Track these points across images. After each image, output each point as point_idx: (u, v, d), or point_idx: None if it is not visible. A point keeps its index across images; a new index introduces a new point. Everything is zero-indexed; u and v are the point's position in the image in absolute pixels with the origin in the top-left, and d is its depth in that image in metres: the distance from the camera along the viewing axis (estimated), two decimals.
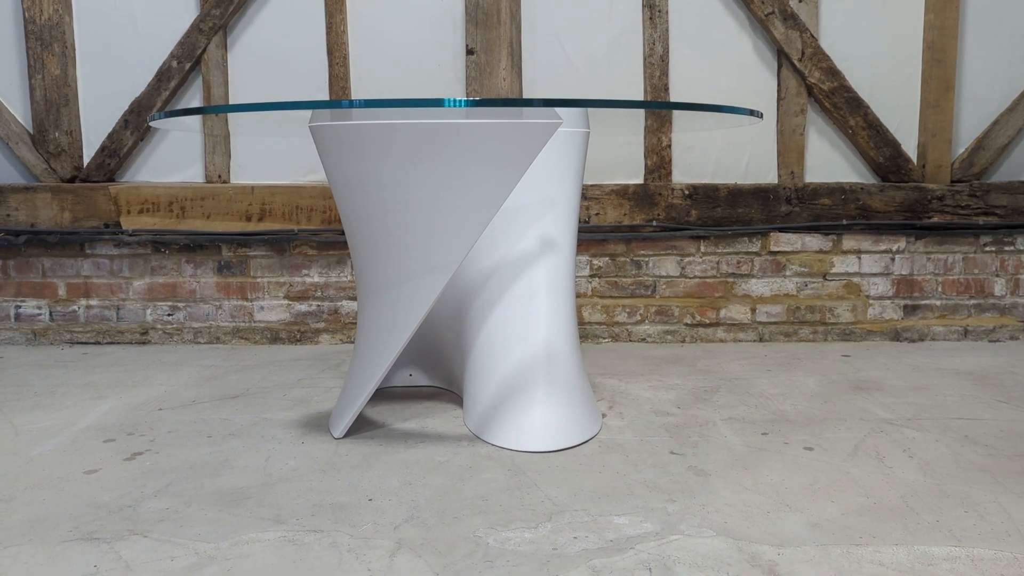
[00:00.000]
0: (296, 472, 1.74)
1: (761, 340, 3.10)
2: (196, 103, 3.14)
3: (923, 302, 3.11)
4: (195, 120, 2.88)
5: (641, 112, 2.93)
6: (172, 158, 3.17)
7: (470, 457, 1.81)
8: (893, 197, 3.09)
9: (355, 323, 3.09)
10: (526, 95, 3.11)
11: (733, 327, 3.10)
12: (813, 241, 3.08)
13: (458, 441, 1.92)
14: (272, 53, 3.08)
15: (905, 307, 3.11)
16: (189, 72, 3.11)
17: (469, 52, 3.06)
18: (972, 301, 3.11)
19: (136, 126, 3.11)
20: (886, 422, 2.06)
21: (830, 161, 3.16)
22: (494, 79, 3.07)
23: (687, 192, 3.08)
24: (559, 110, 1.88)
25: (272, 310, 3.11)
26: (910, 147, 3.15)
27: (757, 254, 3.08)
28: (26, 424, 2.11)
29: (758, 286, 3.09)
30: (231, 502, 1.58)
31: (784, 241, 3.08)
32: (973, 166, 3.14)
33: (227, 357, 2.88)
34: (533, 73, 3.09)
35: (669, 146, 3.14)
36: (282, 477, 1.71)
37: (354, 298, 3.09)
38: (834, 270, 3.09)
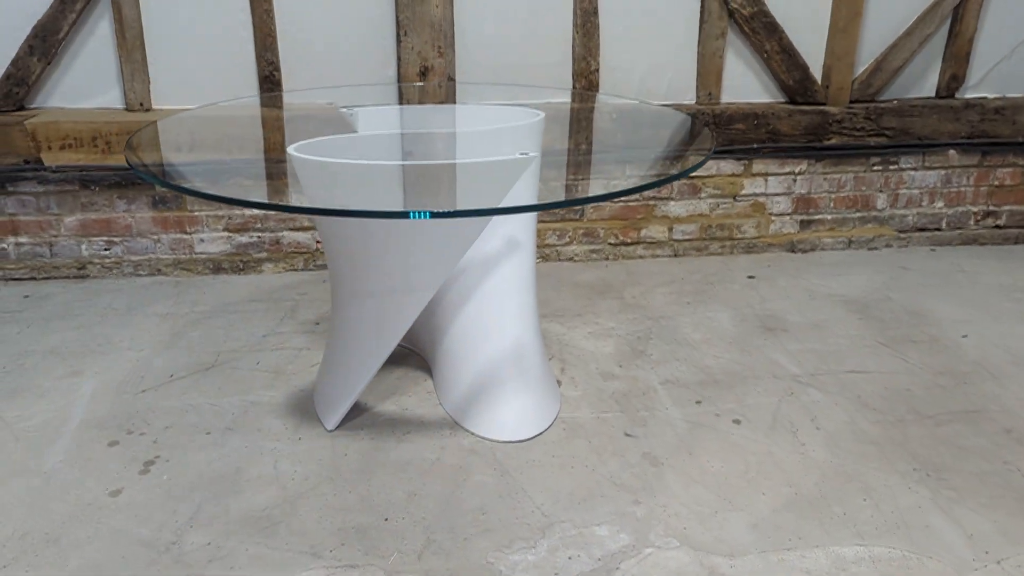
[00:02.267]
0: (308, 482, 1.97)
1: (676, 256, 3.41)
2: (105, 24, 2.96)
3: (816, 217, 3.47)
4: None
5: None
6: (85, 82, 3.02)
7: (457, 453, 2.08)
8: (799, 121, 3.34)
9: (297, 253, 3.19)
10: (457, 18, 3.08)
11: (652, 245, 3.39)
12: (727, 165, 3.33)
13: (440, 429, 2.18)
14: None
15: (801, 222, 3.47)
16: None
17: None
18: (857, 214, 3.50)
19: (43, 52, 2.92)
20: (795, 379, 2.44)
21: (745, 83, 3.35)
22: (426, 6, 3.01)
23: (614, 116, 3.22)
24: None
25: (213, 242, 3.14)
26: (816, 68, 3.36)
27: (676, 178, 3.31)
28: (18, 420, 2.21)
29: (676, 208, 3.35)
30: (265, 530, 1.81)
31: (703, 167, 3.31)
32: (870, 87, 3.40)
33: (176, 298, 2.95)
34: None
35: (597, 70, 3.23)
36: (298, 492, 1.94)
37: (295, 228, 3.16)
38: (743, 192, 3.38)
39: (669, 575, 1.69)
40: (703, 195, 3.36)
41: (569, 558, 1.74)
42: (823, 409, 2.30)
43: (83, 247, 3.09)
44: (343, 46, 3.07)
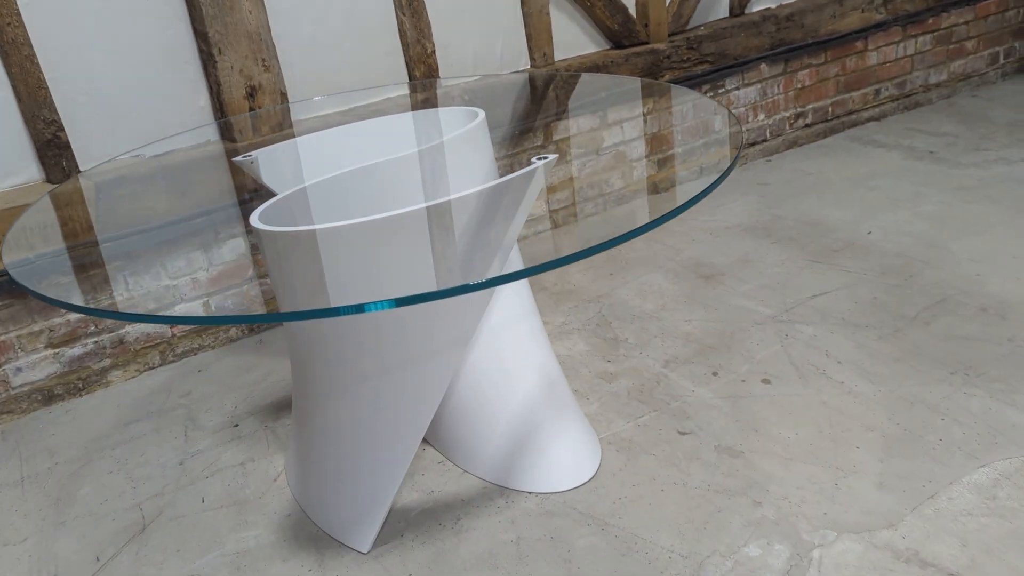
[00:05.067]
0: None
1: (556, 227, 3.22)
2: None
3: (669, 153, 3.45)
4: None
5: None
6: None
7: (532, 523, 1.75)
8: (636, 64, 3.26)
9: (149, 347, 2.55)
10: (272, 23, 2.58)
11: (532, 222, 3.16)
12: (586, 121, 3.18)
13: (491, 501, 1.82)
14: None
15: (658, 162, 3.42)
16: None
17: None
18: (702, 141, 3.53)
19: None
20: (775, 320, 2.38)
21: (574, 36, 3.20)
22: (238, 14, 2.48)
23: (467, 98, 2.92)
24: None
25: (35, 367, 2.41)
26: (633, 8, 3.29)
27: (543, 147, 3.10)
28: None
29: (549, 178, 3.14)
30: None
31: (562, 128, 3.13)
32: (681, 18, 3.41)
33: (19, 454, 2.22)
34: None
35: (433, 52, 2.90)
36: None
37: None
38: (605, 144, 3.25)
39: (859, 571, 1.53)
40: (569, 157, 3.18)
41: None
42: (826, 341, 2.25)
43: None
44: (136, 81, 2.44)
